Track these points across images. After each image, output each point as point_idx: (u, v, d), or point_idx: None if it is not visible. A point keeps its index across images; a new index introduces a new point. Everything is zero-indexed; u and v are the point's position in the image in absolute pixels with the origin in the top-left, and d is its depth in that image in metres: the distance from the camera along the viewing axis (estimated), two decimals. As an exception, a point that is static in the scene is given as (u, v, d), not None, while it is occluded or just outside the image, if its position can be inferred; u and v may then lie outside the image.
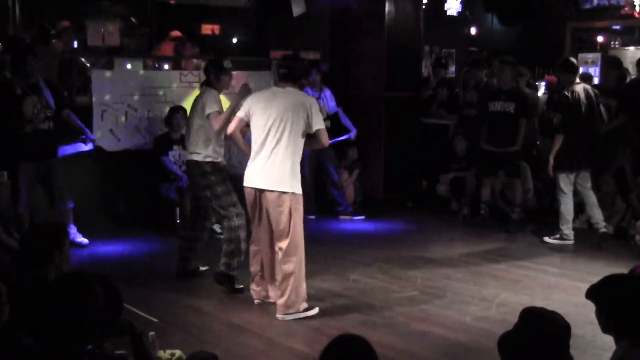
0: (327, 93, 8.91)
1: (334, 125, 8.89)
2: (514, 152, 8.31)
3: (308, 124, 5.34)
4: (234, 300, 5.86)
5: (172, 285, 6.18)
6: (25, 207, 6.88)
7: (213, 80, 6.16)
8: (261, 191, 5.41)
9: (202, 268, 6.56)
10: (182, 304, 5.75)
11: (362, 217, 9.07)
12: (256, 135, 5.45)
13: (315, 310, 5.53)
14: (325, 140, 5.46)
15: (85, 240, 7.45)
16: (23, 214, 6.83)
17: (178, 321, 5.35)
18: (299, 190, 5.39)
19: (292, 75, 5.51)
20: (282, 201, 5.32)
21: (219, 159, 6.14)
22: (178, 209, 8.07)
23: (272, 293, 5.67)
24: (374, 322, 5.38)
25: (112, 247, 7.53)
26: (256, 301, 5.73)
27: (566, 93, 7.66)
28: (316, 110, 5.40)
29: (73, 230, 7.39)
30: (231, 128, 5.63)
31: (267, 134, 5.35)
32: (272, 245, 5.55)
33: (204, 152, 6.08)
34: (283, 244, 5.39)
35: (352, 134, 9.11)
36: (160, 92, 8.42)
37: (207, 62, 6.37)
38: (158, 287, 6.13)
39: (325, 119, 8.54)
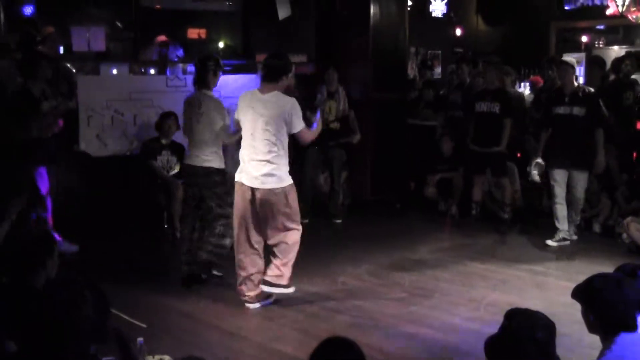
0: (342, 95, 8.82)
1: (342, 128, 8.87)
2: (499, 152, 8.37)
3: (285, 128, 5.58)
4: (223, 304, 5.85)
5: (160, 290, 6.16)
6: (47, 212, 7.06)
7: (211, 79, 6.25)
8: (253, 189, 5.59)
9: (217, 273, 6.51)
10: (171, 309, 5.74)
11: (339, 220, 9.01)
12: (245, 136, 5.66)
13: (292, 289, 5.83)
14: (305, 137, 5.83)
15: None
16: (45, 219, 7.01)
17: (166, 326, 5.34)
18: (288, 181, 5.62)
19: (270, 75, 5.63)
20: (271, 197, 5.55)
21: (223, 166, 6.27)
22: (165, 213, 8.06)
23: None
24: (362, 324, 5.39)
25: (99, 252, 7.49)
26: (251, 306, 5.76)
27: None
28: (296, 112, 5.58)
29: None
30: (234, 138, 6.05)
31: (254, 135, 5.56)
32: (263, 239, 5.79)
33: (209, 157, 6.20)
34: (286, 226, 5.65)
35: (356, 138, 9.06)
36: (147, 97, 8.41)
37: (203, 59, 6.36)
38: (146, 291, 6.12)
39: (333, 121, 8.59)
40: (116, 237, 7.84)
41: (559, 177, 7.71)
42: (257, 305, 5.76)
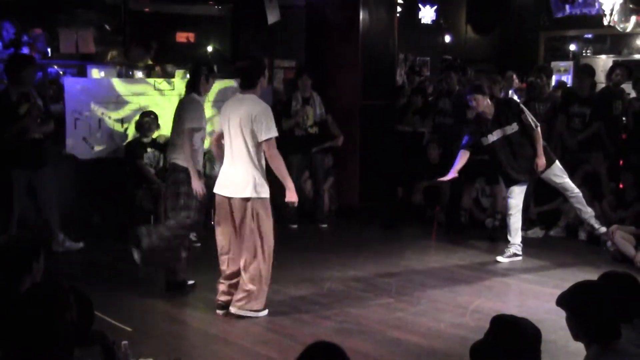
0: (317, 99, 8.91)
1: (322, 132, 8.96)
2: None
3: (255, 135, 5.36)
4: (209, 308, 5.82)
5: (145, 294, 6.13)
6: (16, 216, 7.03)
7: (203, 83, 6.15)
8: (229, 198, 5.48)
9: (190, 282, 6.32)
10: (156, 313, 5.72)
11: (325, 225, 9.04)
12: (225, 143, 5.56)
13: (265, 313, 5.58)
14: (269, 152, 5.39)
15: (78, 245, 7.54)
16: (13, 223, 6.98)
17: (152, 330, 5.31)
18: (265, 194, 5.44)
19: (243, 81, 5.55)
20: (247, 207, 5.40)
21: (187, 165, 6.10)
22: (152, 217, 8.03)
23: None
24: (348, 330, 5.38)
25: (85, 256, 7.47)
26: (219, 311, 5.65)
27: None
28: (264, 120, 5.34)
29: (61, 237, 7.47)
30: (212, 141, 5.82)
31: (231, 143, 5.46)
32: (241, 251, 5.55)
33: (176, 156, 6.12)
34: (249, 248, 5.43)
35: (339, 140, 9.14)
36: (134, 100, 8.40)
37: (198, 64, 6.34)
38: (131, 295, 6.09)
39: (312, 126, 8.62)
40: (102, 240, 7.81)
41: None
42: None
